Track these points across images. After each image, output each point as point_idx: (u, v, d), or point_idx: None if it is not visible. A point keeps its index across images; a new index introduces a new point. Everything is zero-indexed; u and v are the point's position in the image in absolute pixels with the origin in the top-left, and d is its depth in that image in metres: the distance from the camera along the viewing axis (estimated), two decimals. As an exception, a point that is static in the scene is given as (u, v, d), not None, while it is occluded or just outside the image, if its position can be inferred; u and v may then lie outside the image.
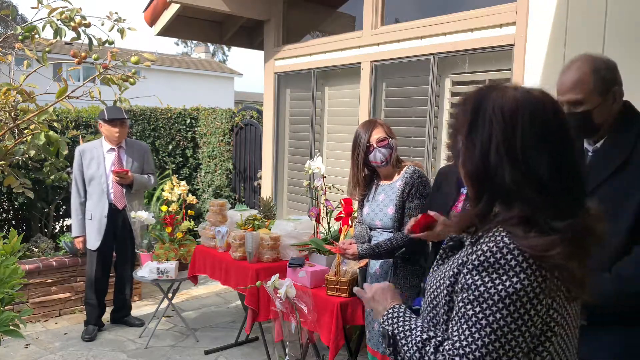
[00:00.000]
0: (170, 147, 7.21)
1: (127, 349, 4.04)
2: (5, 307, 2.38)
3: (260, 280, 3.01)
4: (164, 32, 5.77)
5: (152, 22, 5.69)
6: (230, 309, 5.10)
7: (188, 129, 7.38)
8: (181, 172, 7.32)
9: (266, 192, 5.55)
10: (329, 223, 3.51)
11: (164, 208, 4.37)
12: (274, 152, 5.51)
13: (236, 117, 6.93)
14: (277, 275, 2.81)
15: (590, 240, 1.08)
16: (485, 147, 1.08)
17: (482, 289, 1.05)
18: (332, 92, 5.04)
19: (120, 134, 4.19)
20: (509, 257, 1.03)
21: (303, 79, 5.19)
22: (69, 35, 2.60)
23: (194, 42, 36.28)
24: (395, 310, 1.29)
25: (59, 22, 2.53)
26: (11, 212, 5.82)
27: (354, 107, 4.62)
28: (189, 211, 4.49)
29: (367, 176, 2.85)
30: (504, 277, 1.03)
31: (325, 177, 3.61)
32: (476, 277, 1.06)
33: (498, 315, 1.03)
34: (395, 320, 1.26)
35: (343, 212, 3.24)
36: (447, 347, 1.09)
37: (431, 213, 2.03)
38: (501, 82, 1.37)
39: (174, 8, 5.31)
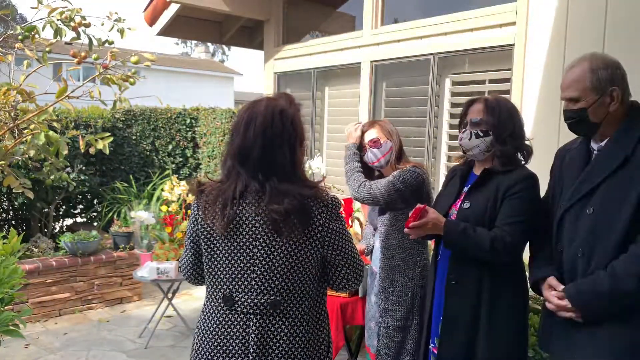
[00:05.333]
0: (170, 147, 7.21)
1: (127, 349, 4.04)
2: (5, 307, 2.38)
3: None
4: (164, 32, 5.78)
5: (152, 22, 5.70)
6: (230, 309, 5.08)
7: (188, 129, 7.39)
8: (181, 172, 7.32)
9: (266, 192, 5.54)
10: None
11: (164, 208, 4.37)
12: (274, 152, 5.51)
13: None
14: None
15: None
16: None
17: None
18: (332, 92, 5.04)
19: None
20: None
21: (303, 79, 5.19)
22: (69, 35, 2.60)
23: (194, 42, 36.29)
24: None
25: (59, 22, 2.53)
26: (11, 212, 5.81)
27: (354, 107, 4.62)
28: (188, 211, 4.49)
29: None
30: None
31: (325, 177, 3.60)
32: None
33: None
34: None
35: (343, 212, 3.24)
36: None
37: (427, 207, 2.02)
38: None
39: (173, 8, 5.32)
